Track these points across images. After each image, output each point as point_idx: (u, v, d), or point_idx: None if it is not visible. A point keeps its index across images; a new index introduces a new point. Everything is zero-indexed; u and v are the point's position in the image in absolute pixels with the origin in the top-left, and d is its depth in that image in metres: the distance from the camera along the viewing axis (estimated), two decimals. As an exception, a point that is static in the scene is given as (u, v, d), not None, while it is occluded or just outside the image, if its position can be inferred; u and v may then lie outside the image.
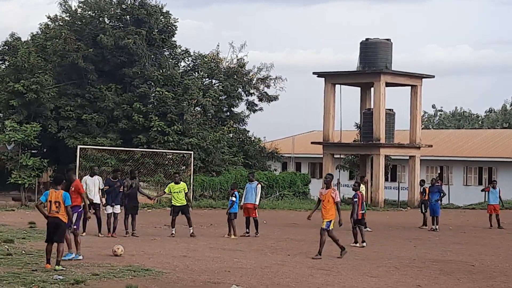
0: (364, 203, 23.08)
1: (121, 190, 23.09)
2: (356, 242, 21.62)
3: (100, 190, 22.77)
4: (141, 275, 14.71)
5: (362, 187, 25.72)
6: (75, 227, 16.85)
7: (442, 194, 28.69)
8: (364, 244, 21.47)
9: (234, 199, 23.62)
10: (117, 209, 22.87)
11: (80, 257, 16.49)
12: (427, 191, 28.88)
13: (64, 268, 14.91)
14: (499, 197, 29.53)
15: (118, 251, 17.49)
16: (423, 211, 29.00)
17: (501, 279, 15.82)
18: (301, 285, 14.23)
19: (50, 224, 15.32)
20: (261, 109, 49.07)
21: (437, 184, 29.22)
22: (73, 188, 17.18)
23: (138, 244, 20.20)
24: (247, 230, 23.96)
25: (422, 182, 30.75)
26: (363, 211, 22.42)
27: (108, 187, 22.96)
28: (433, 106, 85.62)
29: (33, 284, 13.12)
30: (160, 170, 37.52)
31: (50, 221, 15.31)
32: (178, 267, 15.96)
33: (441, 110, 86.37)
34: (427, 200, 28.67)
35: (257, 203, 24.06)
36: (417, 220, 30.91)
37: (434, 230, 27.45)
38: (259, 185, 24.47)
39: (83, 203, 17.39)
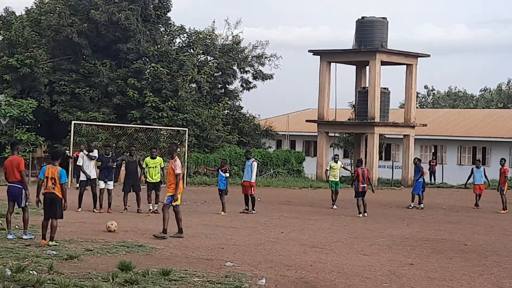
0: (369, 178, 25.02)
1: (113, 166, 23.12)
2: (360, 213, 24.20)
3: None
4: (134, 251, 14.74)
5: (339, 163, 27.72)
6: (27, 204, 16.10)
7: (421, 174, 28.88)
8: (365, 214, 24.20)
9: (227, 175, 23.69)
10: (110, 185, 22.92)
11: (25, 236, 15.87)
12: (424, 170, 29.25)
13: (57, 244, 14.93)
14: (485, 176, 29.62)
15: (112, 227, 17.51)
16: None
17: (493, 258, 15.89)
18: (294, 262, 14.27)
19: (45, 199, 15.32)
20: (255, 86, 49.10)
21: (433, 162, 29.54)
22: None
23: (131, 220, 20.22)
24: (247, 207, 24.05)
25: (417, 160, 30.78)
26: (364, 185, 24.59)
27: (100, 163, 23.00)
28: (426, 87, 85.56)
29: (26, 259, 13.13)
30: (152, 145, 37.41)
31: (46, 197, 15.30)
32: (172, 244, 15.99)
33: (433, 90, 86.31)
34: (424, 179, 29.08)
35: (252, 180, 24.09)
36: (409, 199, 30.99)
37: (418, 208, 27.78)
38: (254, 162, 24.50)
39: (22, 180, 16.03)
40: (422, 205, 28.13)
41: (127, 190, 23.09)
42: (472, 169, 29.94)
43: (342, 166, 28.07)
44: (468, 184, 30.44)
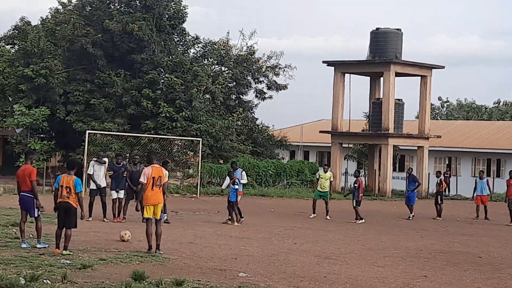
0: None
1: (125, 175, 23.13)
2: (360, 218, 25.81)
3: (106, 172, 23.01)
4: (148, 260, 14.75)
5: (329, 174, 27.52)
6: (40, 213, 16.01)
7: (417, 184, 28.91)
8: (363, 220, 25.88)
9: (237, 187, 23.70)
10: (121, 194, 22.97)
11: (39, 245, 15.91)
12: (443, 183, 29.30)
13: (71, 253, 14.96)
14: (488, 187, 29.67)
15: (125, 236, 17.55)
16: (439, 202, 29.03)
17: (508, 271, 15.80)
18: (307, 273, 14.23)
19: (60, 208, 15.31)
20: (270, 97, 49.07)
21: (447, 174, 29.77)
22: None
23: (145, 230, 20.19)
24: (230, 217, 23.85)
25: (438, 173, 30.75)
26: (362, 194, 26.56)
27: (112, 172, 23.04)
28: (439, 98, 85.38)
29: (40, 268, 13.16)
30: (167, 156, 37.47)
31: (60, 206, 15.30)
32: (185, 254, 16.00)
33: (447, 101, 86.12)
34: (443, 191, 29.28)
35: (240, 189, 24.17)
36: (424, 211, 30.95)
37: (408, 219, 27.85)
38: (244, 172, 24.46)
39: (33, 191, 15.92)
40: (412, 215, 28.21)
41: (128, 200, 23.11)
42: (476, 180, 29.99)
43: (331, 179, 27.51)
44: (488, 195, 30.54)
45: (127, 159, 30.76)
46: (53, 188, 15.67)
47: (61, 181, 15.29)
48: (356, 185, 26.12)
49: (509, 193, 27.84)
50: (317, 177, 27.67)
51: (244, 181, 24.55)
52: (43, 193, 27.93)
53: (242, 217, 23.78)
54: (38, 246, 15.78)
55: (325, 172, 27.25)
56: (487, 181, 29.83)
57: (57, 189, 15.37)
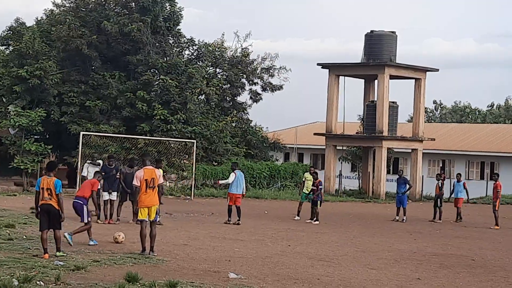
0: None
1: (117, 177, 23.12)
2: (316, 219, 25.85)
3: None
4: (141, 262, 14.75)
5: (309, 175, 27.40)
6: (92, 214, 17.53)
7: (409, 186, 28.95)
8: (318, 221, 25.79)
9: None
10: (114, 195, 23.00)
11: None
12: (443, 185, 29.39)
13: (64, 254, 14.95)
14: (466, 190, 29.71)
15: (119, 238, 17.55)
16: (438, 205, 29.06)
17: (501, 274, 15.84)
18: (301, 275, 14.25)
19: (43, 211, 15.14)
20: (261, 98, 48.82)
21: (441, 177, 29.79)
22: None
23: (139, 232, 20.19)
24: (238, 218, 23.94)
25: (438, 176, 30.80)
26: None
27: (103, 173, 23.05)
28: (434, 102, 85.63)
29: (33, 270, 13.15)
30: (163, 159, 37.43)
31: (42, 208, 15.12)
32: (179, 256, 16.00)
33: (441, 104, 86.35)
34: (443, 194, 29.38)
35: (222, 181, 24.37)
36: (417, 213, 30.98)
37: (403, 221, 27.76)
38: (232, 174, 24.36)
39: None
40: (404, 218, 28.17)
41: (122, 201, 23.13)
42: (454, 182, 30.08)
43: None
44: (483, 198, 30.50)
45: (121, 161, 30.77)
46: (35, 191, 15.49)
47: (42, 183, 15.07)
48: (320, 186, 26.55)
49: (493, 197, 27.98)
50: (303, 179, 27.68)
51: (225, 181, 24.76)
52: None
53: (237, 220, 23.81)
54: (90, 243, 16.83)
55: (311, 174, 27.30)
56: (464, 184, 29.91)
57: (38, 192, 15.22)
